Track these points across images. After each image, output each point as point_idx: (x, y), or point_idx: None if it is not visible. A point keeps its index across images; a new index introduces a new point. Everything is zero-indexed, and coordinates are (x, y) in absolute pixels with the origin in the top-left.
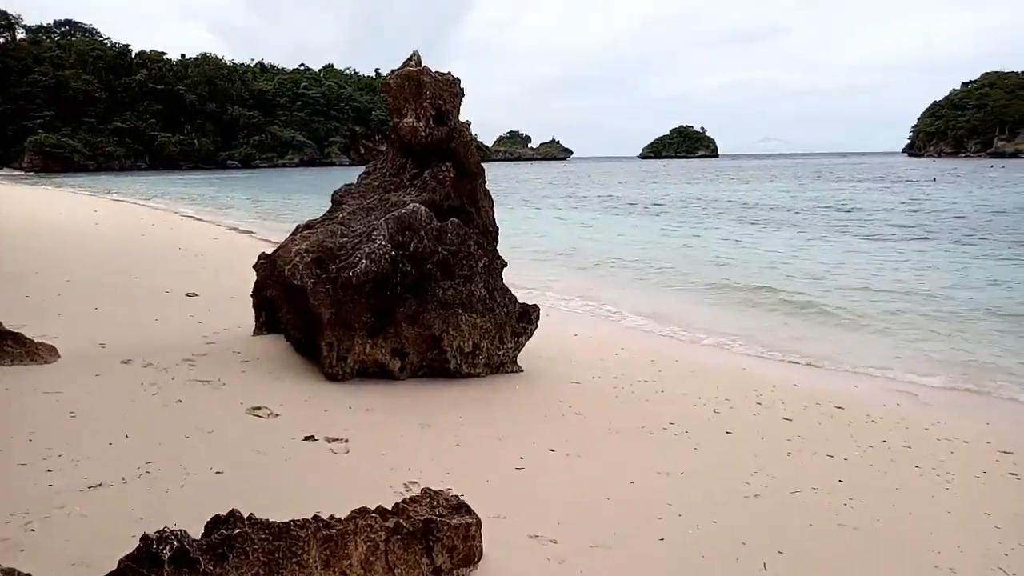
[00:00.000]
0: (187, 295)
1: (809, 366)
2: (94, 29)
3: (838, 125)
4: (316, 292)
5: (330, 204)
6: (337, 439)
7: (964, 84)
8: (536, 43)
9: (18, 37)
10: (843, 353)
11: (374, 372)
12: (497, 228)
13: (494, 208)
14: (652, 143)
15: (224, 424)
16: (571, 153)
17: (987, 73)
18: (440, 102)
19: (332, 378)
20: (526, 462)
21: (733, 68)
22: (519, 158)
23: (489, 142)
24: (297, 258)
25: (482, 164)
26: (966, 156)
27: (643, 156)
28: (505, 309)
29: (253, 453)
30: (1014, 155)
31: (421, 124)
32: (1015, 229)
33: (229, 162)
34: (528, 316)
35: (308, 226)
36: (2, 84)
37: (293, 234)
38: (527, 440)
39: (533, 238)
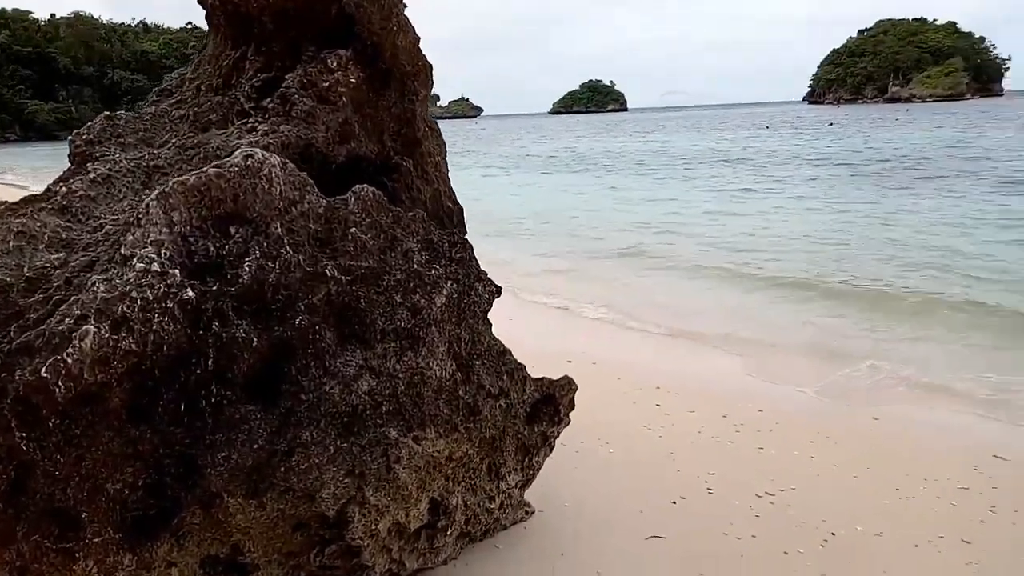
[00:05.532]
0: None
1: None
2: None
3: (740, 77)
4: None
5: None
6: None
7: (860, 32)
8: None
9: None
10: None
11: None
12: (460, 207)
13: (446, 159)
14: (563, 98)
15: None
16: (481, 111)
17: (881, 20)
18: None
19: None
20: None
21: (643, 25)
22: None
23: None
24: None
25: (427, 62)
26: (863, 102)
27: (554, 112)
28: (502, 402)
29: None
30: (908, 100)
31: None
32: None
33: None
34: (553, 405)
35: None
36: None
37: None
38: None
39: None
